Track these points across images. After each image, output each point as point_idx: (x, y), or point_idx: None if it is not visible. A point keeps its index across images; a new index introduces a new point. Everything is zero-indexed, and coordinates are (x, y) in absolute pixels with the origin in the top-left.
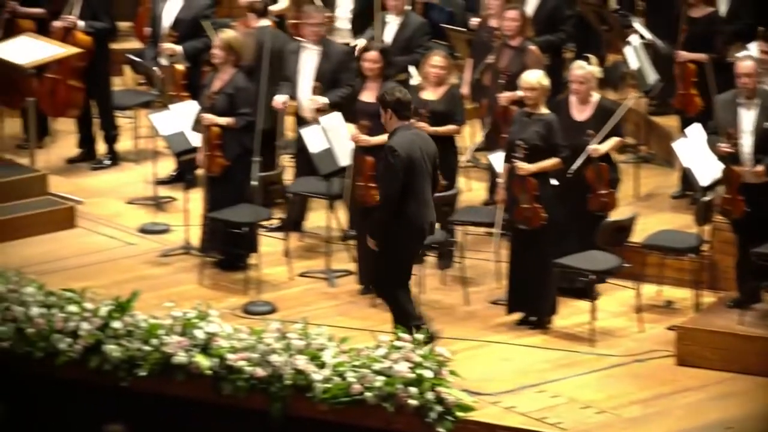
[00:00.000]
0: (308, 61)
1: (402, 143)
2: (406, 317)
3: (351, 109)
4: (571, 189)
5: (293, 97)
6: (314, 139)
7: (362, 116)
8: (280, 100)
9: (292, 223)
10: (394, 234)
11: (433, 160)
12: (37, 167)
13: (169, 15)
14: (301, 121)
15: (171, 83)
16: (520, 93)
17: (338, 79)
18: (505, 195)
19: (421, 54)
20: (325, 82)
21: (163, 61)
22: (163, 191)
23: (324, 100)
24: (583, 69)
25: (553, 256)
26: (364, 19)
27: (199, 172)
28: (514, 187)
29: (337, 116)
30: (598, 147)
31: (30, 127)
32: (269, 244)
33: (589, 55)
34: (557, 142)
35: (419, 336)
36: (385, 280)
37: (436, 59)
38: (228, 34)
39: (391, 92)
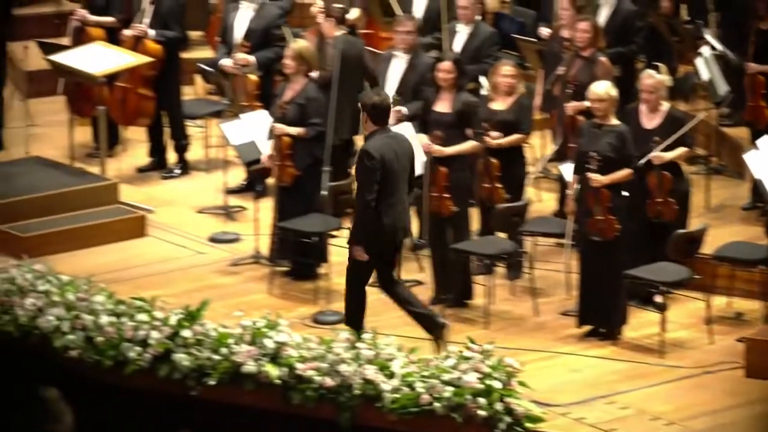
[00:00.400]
0: (395, 69)
1: (376, 146)
2: (352, 317)
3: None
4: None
5: None
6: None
7: (435, 127)
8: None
9: None
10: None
11: (410, 161)
12: (107, 176)
13: (241, 25)
14: None
15: (243, 93)
16: (587, 103)
17: (420, 90)
18: (575, 206)
19: (490, 64)
20: (407, 92)
21: (226, 62)
22: (234, 200)
23: (403, 110)
24: (653, 78)
25: (625, 267)
26: (429, 27)
27: (270, 181)
28: (587, 198)
29: (408, 126)
30: (661, 154)
31: (101, 136)
32: (339, 253)
33: (659, 64)
34: (630, 153)
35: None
36: (351, 279)
37: (506, 69)
38: (299, 43)
39: (368, 97)
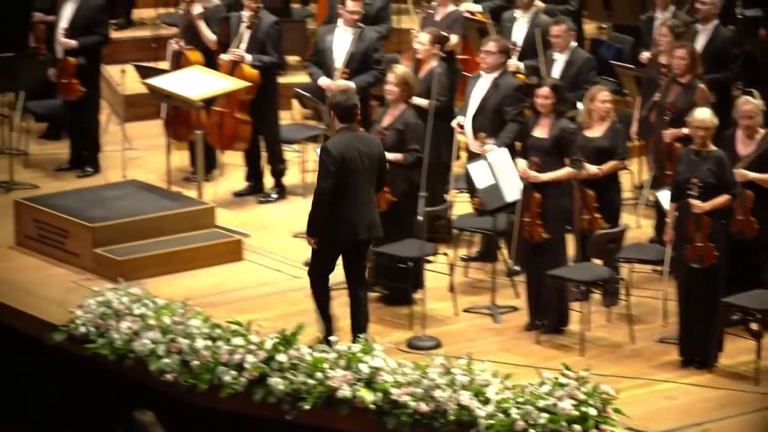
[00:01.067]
0: (479, 89)
1: (337, 144)
2: (322, 315)
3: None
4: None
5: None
6: (481, 175)
7: (533, 152)
8: (455, 121)
9: (483, 256)
10: (326, 230)
11: (377, 161)
12: (204, 200)
13: (339, 49)
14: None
15: None
16: (685, 130)
17: (502, 111)
18: (674, 233)
19: (588, 90)
20: (486, 111)
21: (324, 81)
22: None
23: (490, 146)
24: (750, 104)
25: (722, 295)
26: (530, 53)
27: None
28: (688, 225)
29: (504, 152)
30: (745, 172)
31: (198, 160)
32: (434, 279)
33: (753, 90)
34: (729, 179)
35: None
36: (311, 272)
37: (601, 94)
38: (401, 69)
39: (333, 97)
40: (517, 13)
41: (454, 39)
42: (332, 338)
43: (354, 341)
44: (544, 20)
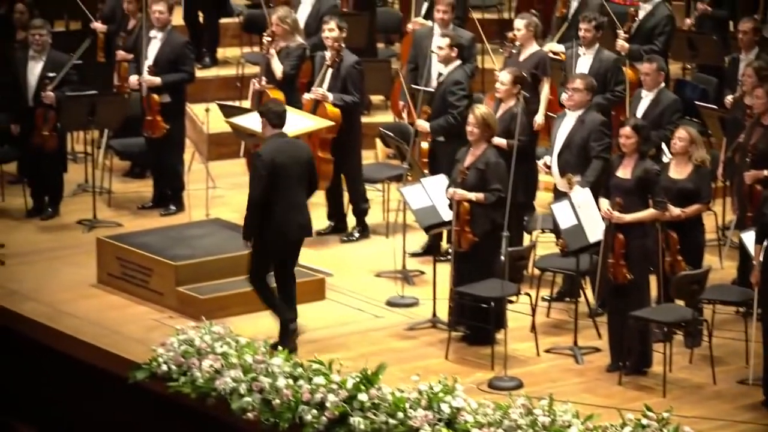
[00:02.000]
0: (564, 128)
1: (269, 149)
2: (272, 307)
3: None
4: None
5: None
6: (564, 215)
7: (616, 192)
8: (541, 161)
9: (565, 296)
10: (261, 233)
11: (307, 166)
12: None
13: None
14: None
15: (420, 158)
16: (766, 172)
17: (588, 147)
18: (759, 275)
19: (672, 131)
20: (572, 149)
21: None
22: (412, 264)
23: (577, 186)
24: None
25: None
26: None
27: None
28: None
29: (587, 192)
30: None
31: None
32: (516, 319)
33: None
34: None
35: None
36: (250, 273)
37: (682, 133)
38: (482, 109)
39: (265, 104)
40: (581, 50)
41: (546, 81)
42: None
43: (287, 331)
44: (607, 56)
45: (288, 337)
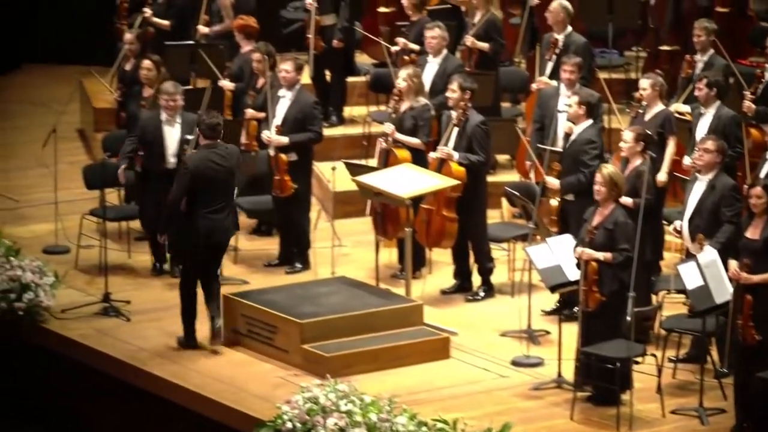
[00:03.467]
0: (695, 192)
1: (195, 159)
2: (183, 311)
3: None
4: None
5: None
6: (691, 276)
7: (744, 253)
8: (672, 226)
9: (693, 358)
10: (185, 239)
11: (232, 172)
12: (412, 297)
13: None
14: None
15: (547, 217)
16: None
17: (718, 212)
18: None
19: None
20: (704, 214)
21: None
22: (538, 324)
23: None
24: None
25: None
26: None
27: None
28: None
29: (714, 253)
30: None
31: (406, 258)
32: (642, 380)
33: None
34: None
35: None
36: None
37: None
38: (608, 169)
39: (200, 117)
40: (702, 109)
41: (671, 140)
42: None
43: (212, 328)
44: (726, 113)
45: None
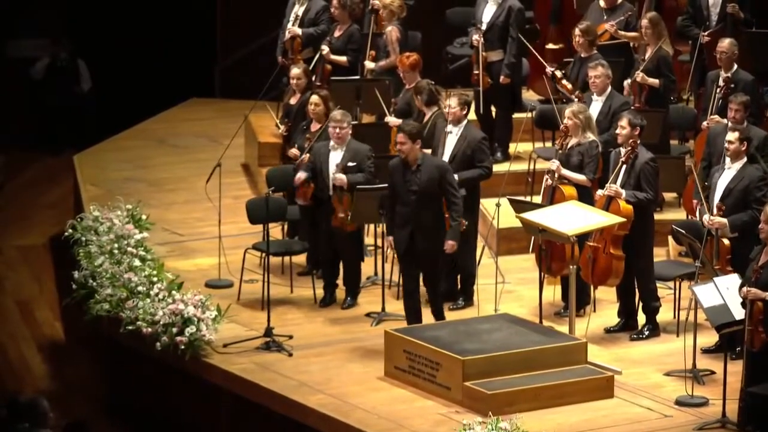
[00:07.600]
0: None
1: None
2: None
3: None
4: None
5: None
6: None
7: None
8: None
9: None
10: None
11: None
12: (576, 335)
13: (721, 184)
14: None
15: (716, 256)
16: None
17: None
18: None
19: None
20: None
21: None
22: (703, 363)
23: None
24: None
25: None
26: None
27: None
28: None
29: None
30: None
31: (570, 295)
32: None
33: None
34: None
35: None
36: None
37: None
38: None
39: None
40: None
41: None
42: None
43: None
44: None
45: None
